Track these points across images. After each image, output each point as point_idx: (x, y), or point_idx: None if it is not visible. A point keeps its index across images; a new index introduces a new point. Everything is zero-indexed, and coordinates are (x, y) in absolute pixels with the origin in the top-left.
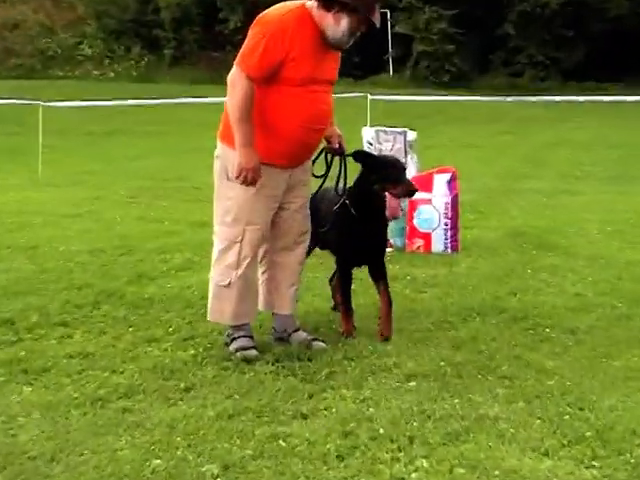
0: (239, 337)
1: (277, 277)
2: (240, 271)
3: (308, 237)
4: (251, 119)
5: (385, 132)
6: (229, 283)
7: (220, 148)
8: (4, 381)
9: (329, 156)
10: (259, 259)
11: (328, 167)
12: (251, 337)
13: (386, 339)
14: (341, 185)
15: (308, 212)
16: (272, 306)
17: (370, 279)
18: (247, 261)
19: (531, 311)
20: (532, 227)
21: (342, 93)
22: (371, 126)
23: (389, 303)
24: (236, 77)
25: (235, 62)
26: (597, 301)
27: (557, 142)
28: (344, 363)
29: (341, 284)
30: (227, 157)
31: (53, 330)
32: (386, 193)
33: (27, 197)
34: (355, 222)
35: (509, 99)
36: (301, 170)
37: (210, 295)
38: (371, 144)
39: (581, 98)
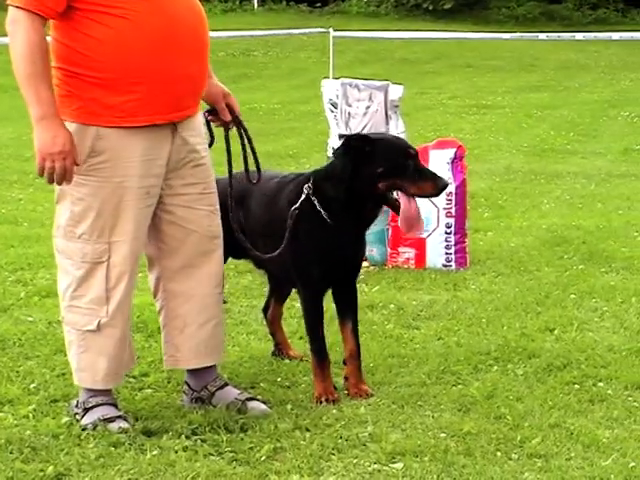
0: (98, 405)
1: (181, 314)
2: (113, 305)
3: (220, 244)
4: (47, 75)
5: (357, 87)
6: (98, 326)
7: None
8: None
9: (221, 130)
10: (153, 290)
11: (212, 137)
12: (114, 405)
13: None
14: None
15: (215, 205)
16: (178, 360)
17: (335, 309)
18: (120, 290)
19: (576, 356)
20: (577, 229)
21: (289, 28)
22: (335, 78)
23: (359, 349)
24: (15, 18)
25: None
26: None
27: (616, 101)
28: (295, 435)
29: (310, 320)
30: None
31: None
32: (398, 193)
33: None
34: (328, 232)
35: (543, 36)
36: (188, 133)
37: (70, 348)
38: (335, 105)
39: None
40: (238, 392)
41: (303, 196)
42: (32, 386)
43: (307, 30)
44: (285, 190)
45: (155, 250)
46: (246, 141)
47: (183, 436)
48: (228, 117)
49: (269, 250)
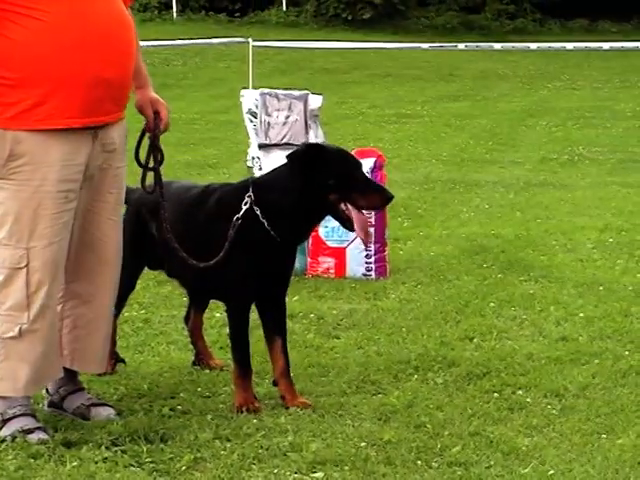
0: (16, 416)
1: (74, 314)
2: (34, 311)
3: (121, 256)
4: None
5: (276, 97)
6: (20, 332)
7: None
8: None
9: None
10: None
11: (161, 154)
12: (33, 415)
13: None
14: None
15: (121, 217)
16: (66, 359)
17: (260, 320)
18: (41, 295)
19: (495, 364)
20: (496, 238)
21: (209, 38)
22: (255, 87)
23: (289, 367)
24: None
25: None
26: (594, 348)
27: (534, 110)
28: (216, 445)
29: (237, 331)
30: None
31: None
32: (346, 205)
33: None
34: (268, 244)
35: (462, 46)
36: (108, 140)
37: None
38: (255, 115)
39: (569, 45)
40: (87, 397)
41: (246, 206)
42: None
43: (226, 40)
44: (216, 199)
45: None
46: (156, 150)
47: (103, 447)
48: (150, 126)
49: (195, 259)
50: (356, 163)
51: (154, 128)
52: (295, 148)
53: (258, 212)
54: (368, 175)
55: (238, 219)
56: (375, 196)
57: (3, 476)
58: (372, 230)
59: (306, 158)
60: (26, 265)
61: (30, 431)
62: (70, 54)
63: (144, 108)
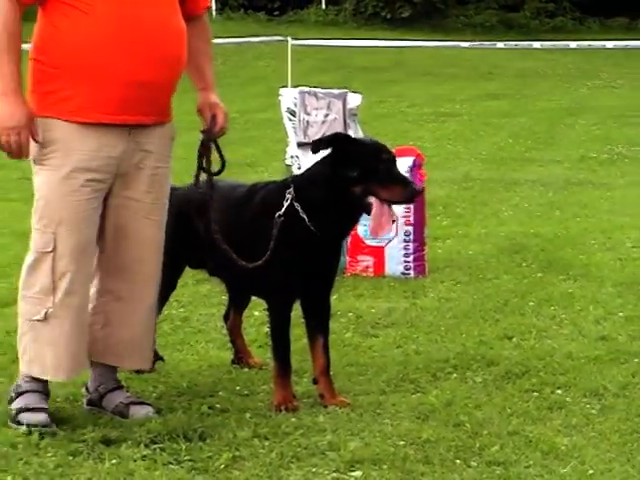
0: (27, 391)
1: (105, 310)
2: (59, 296)
3: (160, 255)
4: (16, 54)
5: (315, 95)
6: (45, 316)
7: None
8: None
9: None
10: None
11: (222, 161)
12: (45, 394)
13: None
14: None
15: (162, 217)
16: (92, 354)
17: (304, 320)
18: (66, 280)
19: (535, 363)
20: (535, 237)
21: (248, 36)
22: (294, 86)
23: (329, 365)
24: None
25: None
26: (633, 348)
27: (574, 109)
28: (254, 443)
29: (277, 330)
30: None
31: None
32: (372, 198)
33: None
34: (312, 240)
35: (501, 45)
36: (145, 140)
37: (22, 337)
38: (293, 114)
39: (609, 43)
40: (126, 395)
41: (287, 202)
42: None
43: (266, 38)
44: (261, 197)
45: (99, 245)
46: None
47: (142, 445)
48: (206, 129)
49: (241, 258)
50: (385, 156)
51: (208, 131)
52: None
53: (298, 208)
54: (406, 173)
55: (280, 216)
56: (398, 189)
57: (43, 473)
58: (392, 227)
59: (332, 147)
60: (52, 250)
61: (31, 409)
62: (108, 51)
63: (203, 111)
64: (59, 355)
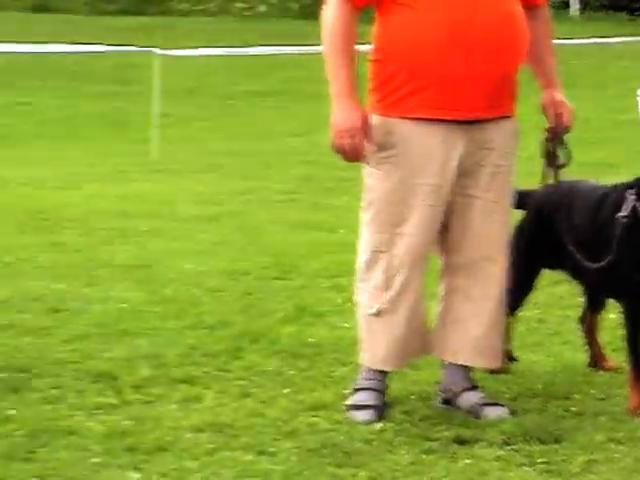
0: (363, 389)
1: (455, 309)
2: (391, 293)
3: (505, 253)
4: (350, 57)
5: None
6: (378, 311)
7: None
8: (100, 464)
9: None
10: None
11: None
12: (377, 390)
13: None
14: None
15: (506, 216)
16: (442, 348)
17: None
18: (400, 280)
19: None
20: None
21: (609, 37)
22: None
23: None
24: (329, 5)
25: None
26: None
27: None
28: (609, 447)
29: (630, 333)
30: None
31: (172, 389)
32: None
33: (133, 190)
34: None
35: None
36: (486, 137)
37: (360, 328)
38: None
39: None
40: (480, 396)
41: (630, 203)
42: (345, 391)
43: (623, 40)
44: (608, 199)
45: (441, 244)
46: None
47: (495, 445)
48: (549, 127)
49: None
50: None
51: (553, 129)
52: None
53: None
54: None
55: (623, 217)
56: None
57: (397, 470)
58: None
59: None
60: (388, 250)
61: (359, 407)
62: (441, 45)
63: (545, 109)
64: (389, 347)
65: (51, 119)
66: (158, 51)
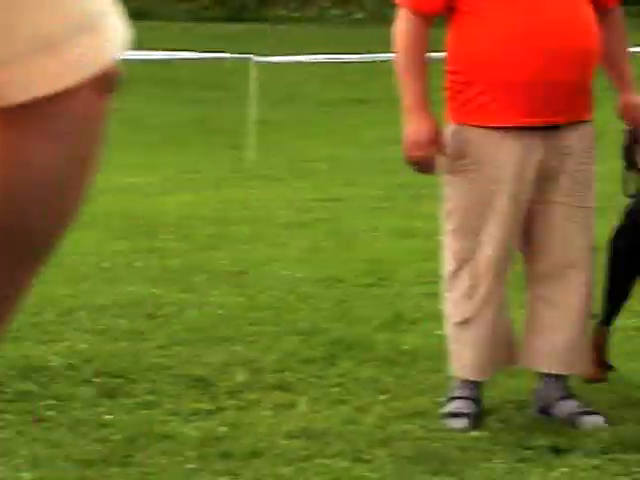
0: (456, 398)
1: (540, 317)
2: (476, 302)
3: (591, 259)
4: (421, 70)
5: None
6: (465, 320)
7: None
8: (194, 469)
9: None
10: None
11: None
12: (471, 399)
13: None
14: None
15: (589, 220)
16: (530, 361)
17: None
18: (484, 287)
19: None
20: None
21: None
22: None
23: None
24: (399, 14)
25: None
26: None
27: None
28: None
29: None
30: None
31: (267, 395)
32: None
33: (229, 196)
34: None
35: None
36: (563, 143)
37: (448, 337)
38: None
39: None
40: (577, 404)
41: None
42: (441, 398)
43: None
44: None
45: (524, 251)
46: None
47: (592, 455)
48: (628, 129)
49: None
50: None
51: (631, 133)
52: None
53: None
54: None
55: None
56: None
57: (493, 478)
58: None
59: None
60: (472, 258)
61: (455, 415)
62: (510, 51)
63: (622, 112)
64: (476, 356)
65: (146, 126)
66: (255, 58)
